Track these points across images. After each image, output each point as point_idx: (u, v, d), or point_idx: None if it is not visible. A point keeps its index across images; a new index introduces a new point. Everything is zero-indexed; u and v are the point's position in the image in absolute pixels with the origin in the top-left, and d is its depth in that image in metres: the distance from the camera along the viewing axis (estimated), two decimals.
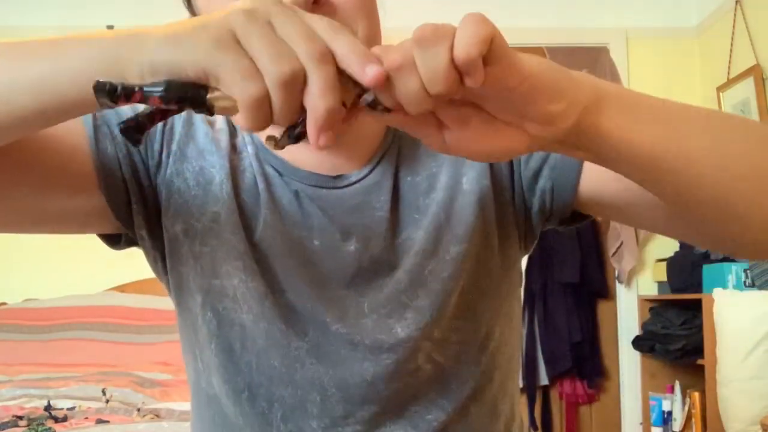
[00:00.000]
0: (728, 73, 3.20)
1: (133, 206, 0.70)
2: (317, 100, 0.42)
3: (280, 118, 0.43)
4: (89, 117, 0.67)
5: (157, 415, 2.00)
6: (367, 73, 0.42)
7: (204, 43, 0.42)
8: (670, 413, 3.15)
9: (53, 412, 1.98)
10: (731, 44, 3.18)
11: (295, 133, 0.45)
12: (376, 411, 0.70)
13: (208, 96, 0.43)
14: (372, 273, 0.71)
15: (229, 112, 0.43)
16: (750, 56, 3.04)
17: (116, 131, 0.68)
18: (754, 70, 2.99)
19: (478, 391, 0.73)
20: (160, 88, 0.42)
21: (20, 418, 1.91)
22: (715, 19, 3.36)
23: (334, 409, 0.70)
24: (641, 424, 3.36)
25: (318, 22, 0.44)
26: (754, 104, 3.00)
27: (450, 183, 0.72)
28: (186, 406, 2.05)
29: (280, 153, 0.72)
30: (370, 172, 0.72)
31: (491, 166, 0.73)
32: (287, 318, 0.70)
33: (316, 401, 0.70)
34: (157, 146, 0.72)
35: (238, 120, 0.43)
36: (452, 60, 0.42)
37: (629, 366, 3.40)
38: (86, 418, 1.95)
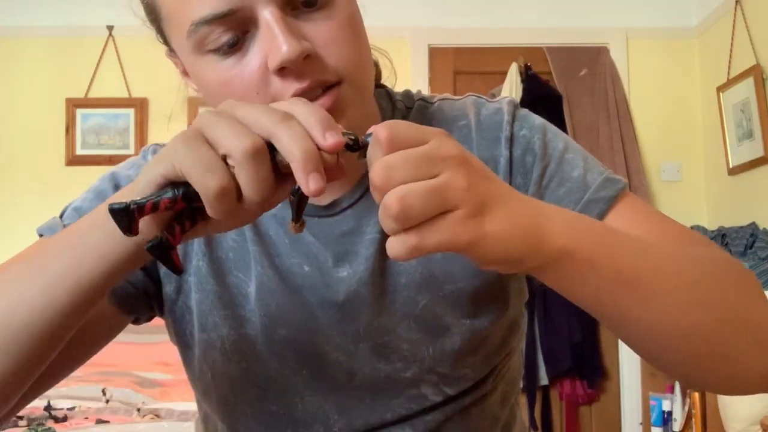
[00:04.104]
0: (728, 73, 3.20)
1: (148, 296, 0.72)
2: (292, 148, 0.44)
3: (250, 192, 0.45)
4: None
5: (157, 415, 2.00)
6: (327, 140, 0.44)
7: (175, 145, 0.45)
8: (670, 413, 3.15)
9: (53, 412, 1.98)
10: (731, 44, 3.18)
11: (296, 202, 0.47)
12: (377, 426, 0.70)
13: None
14: (365, 297, 0.68)
15: None
16: (750, 56, 3.04)
17: None
18: (754, 70, 2.99)
19: (479, 399, 0.73)
20: (163, 191, 0.45)
21: (20, 418, 1.91)
22: (715, 19, 3.36)
23: None
24: (641, 424, 3.35)
25: (279, 103, 0.47)
26: (754, 104, 3.00)
27: None
28: (186, 406, 2.05)
29: None
30: (362, 195, 0.69)
31: None
32: (282, 355, 0.69)
33: None
34: None
35: (208, 210, 0.45)
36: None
37: (629, 366, 3.40)
38: (86, 418, 1.95)
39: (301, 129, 0.44)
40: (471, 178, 0.44)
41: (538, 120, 0.72)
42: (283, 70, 0.57)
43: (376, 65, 0.78)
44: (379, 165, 0.43)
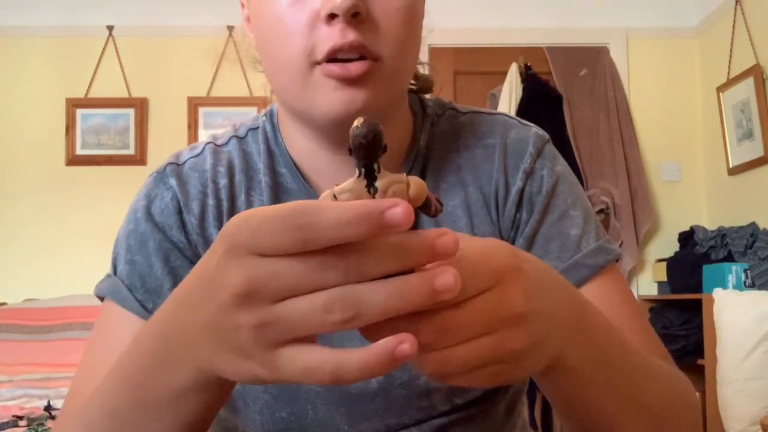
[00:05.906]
0: (728, 73, 3.20)
1: None
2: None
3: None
4: None
5: None
6: (396, 215, 0.34)
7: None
8: None
9: (53, 412, 1.98)
10: (731, 44, 3.18)
11: None
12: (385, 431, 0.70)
13: None
14: None
15: None
16: (750, 56, 3.04)
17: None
18: (754, 70, 2.99)
19: (486, 409, 0.73)
20: None
21: (20, 418, 1.92)
22: (715, 19, 3.36)
23: None
24: None
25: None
26: (754, 104, 3.00)
27: (464, 229, 0.71)
28: None
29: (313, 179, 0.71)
30: None
31: (499, 231, 0.72)
32: None
33: None
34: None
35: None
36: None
37: None
38: None
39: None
40: (528, 337, 0.40)
41: (560, 165, 0.73)
42: (332, 19, 0.59)
43: (429, 79, 0.80)
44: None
